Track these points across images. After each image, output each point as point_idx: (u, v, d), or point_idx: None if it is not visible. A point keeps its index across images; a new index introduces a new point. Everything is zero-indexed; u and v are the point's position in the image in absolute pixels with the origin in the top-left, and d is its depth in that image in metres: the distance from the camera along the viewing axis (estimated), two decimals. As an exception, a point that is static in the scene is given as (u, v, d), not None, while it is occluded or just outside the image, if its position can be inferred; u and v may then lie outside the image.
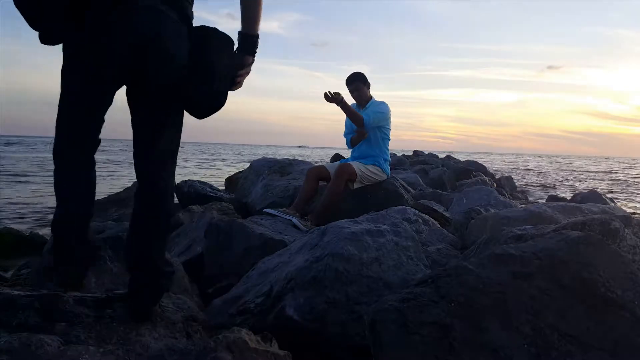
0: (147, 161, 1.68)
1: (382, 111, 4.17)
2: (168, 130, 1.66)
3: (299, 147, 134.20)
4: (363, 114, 4.12)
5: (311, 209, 4.00)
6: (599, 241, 1.70)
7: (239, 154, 48.51)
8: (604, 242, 1.73)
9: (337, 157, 9.29)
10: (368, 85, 4.27)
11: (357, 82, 4.21)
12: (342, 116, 4.51)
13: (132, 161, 1.69)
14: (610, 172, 26.50)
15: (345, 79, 4.28)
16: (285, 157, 6.33)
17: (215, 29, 1.66)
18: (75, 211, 1.65)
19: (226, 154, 43.03)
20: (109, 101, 1.63)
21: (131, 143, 1.69)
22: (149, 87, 1.60)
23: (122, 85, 1.64)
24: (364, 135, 4.15)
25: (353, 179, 4.03)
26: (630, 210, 8.40)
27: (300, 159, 6.22)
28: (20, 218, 6.76)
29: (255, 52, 1.77)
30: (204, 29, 1.65)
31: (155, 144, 1.65)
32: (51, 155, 1.64)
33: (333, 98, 3.89)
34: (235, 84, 1.75)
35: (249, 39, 1.74)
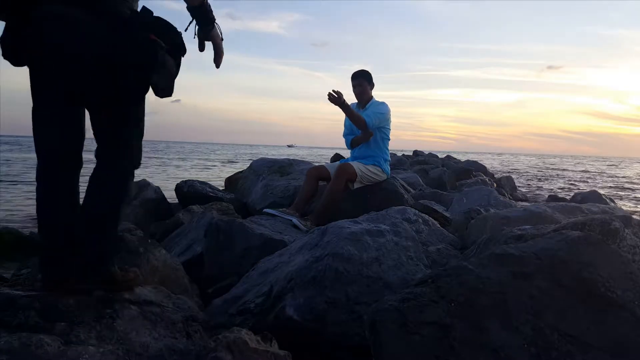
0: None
1: (382, 112, 4.17)
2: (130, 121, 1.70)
3: (288, 146, 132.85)
4: (363, 114, 4.12)
5: (311, 209, 4.00)
6: (599, 241, 1.70)
7: (235, 154, 48.36)
8: (604, 242, 1.73)
9: (337, 157, 9.29)
10: (372, 85, 4.28)
11: (362, 78, 4.22)
12: (341, 116, 4.52)
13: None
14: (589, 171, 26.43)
15: (352, 73, 4.29)
16: (279, 157, 6.32)
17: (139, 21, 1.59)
18: (59, 222, 1.67)
19: (220, 155, 42.65)
20: (71, 118, 1.64)
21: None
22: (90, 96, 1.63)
23: (79, 100, 1.63)
24: (370, 136, 4.15)
25: (353, 179, 4.03)
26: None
27: (299, 159, 6.22)
28: (19, 218, 6.76)
29: (212, 18, 1.71)
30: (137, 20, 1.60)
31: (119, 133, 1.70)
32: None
33: (336, 99, 3.89)
34: (218, 55, 1.77)
35: (196, 10, 1.68)
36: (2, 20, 1.58)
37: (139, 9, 1.66)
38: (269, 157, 6.28)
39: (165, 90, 1.65)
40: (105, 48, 1.55)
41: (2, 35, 1.56)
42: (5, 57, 1.57)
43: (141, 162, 1.80)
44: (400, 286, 1.95)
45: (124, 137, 1.71)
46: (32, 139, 1.63)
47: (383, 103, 4.23)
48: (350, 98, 4.19)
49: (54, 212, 1.67)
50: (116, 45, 1.55)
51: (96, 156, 1.73)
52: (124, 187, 1.73)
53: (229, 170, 15.44)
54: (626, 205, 9.83)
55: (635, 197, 12.24)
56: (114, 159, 1.72)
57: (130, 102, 1.67)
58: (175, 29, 1.64)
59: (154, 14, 1.63)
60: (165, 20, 1.63)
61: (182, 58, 1.71)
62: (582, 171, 27.44)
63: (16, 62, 1.59)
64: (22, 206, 7.84)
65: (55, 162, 1.66)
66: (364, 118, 4.05)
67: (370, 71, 4.33)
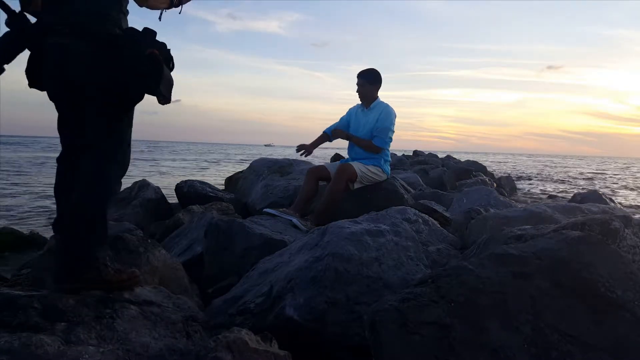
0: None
1: (390, 126, 4.18)
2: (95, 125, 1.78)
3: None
4: (369, 115, 4.17)
5: (311, 209, 4.00)
6: (599, 241, 1.69)
7: (227, 153, 48.25)
8: (604, 242, 1.72)
9: (337, 157, 9.28)
10: (377, 86, 4.26)
11: (363, 79, 4.22)
12: (340, 116, 4.53)
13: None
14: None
15: (360, 71, 4.31)
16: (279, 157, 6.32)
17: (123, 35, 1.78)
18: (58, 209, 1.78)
19: (217, 155, 42.59)
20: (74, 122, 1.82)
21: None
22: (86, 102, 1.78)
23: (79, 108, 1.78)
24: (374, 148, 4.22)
25: (353, 179, 4.03)
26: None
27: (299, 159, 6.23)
28: (20, 218, 6.77)
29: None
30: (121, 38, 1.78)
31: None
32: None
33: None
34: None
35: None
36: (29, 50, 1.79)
37: (130, 26, 1.84)
38: (269, 157, 6.28)
39: (166, 98, 1.82)
40: (109, 66, 1.73)
41: (26, 68, 1.79)
42: (31, 86, 1.82)
43: (128, 165, 1.91)
44: (400, 286, 1.95)
45: (115, 138, 1.82)
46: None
47: (388, 107, 4.19)
48: (352, 98, 4.22)
49: (56, 200, 1.88)
50: (125, 62, 1.74)
51: (86, 156, 1.79)
52: (106, 188, 1.79)
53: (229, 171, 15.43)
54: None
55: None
56: (99, 160, 1.78)
57: (129, 108, 1.83)
58: (165, 44, 1.81)
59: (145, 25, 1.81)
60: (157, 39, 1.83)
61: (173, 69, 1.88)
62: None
63: (40, 88, 1.82)
64: (23, 206, 7.85)
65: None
66: (375, 143, 4.10)
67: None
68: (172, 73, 1.85)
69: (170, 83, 1.82)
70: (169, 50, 1.82)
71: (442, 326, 1.45)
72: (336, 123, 4.46)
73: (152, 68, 1.74)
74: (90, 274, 1.72)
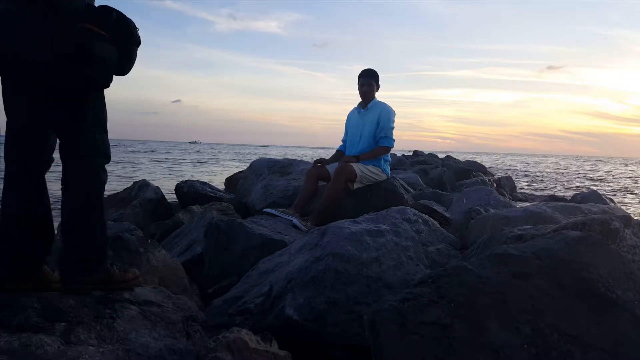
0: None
1: (392, 125, 4.22)
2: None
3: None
4: (366, 115, 4.20)
5: (311, 209, 4.00)
6: (599, 241, 1.70)
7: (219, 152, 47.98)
8: (604, 242, 1.73)
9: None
10: (378, 86, 4.31)
11: (371, 78, 4.26)
12: (342, 116, 4.54)
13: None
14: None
15: (361, 71, 4.32)
16: (279, 157, 6.30)
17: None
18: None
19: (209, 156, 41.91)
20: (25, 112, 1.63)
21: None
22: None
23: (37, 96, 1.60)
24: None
25: (353, 179, 4.03)
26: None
27: (298, 159, 6.22)
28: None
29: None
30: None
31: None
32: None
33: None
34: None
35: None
36: None
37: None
38: (269, 157, 6.28)
39: (97, 80, 1.60)
40: (35, 40, 1.51)
41: None
42: None
43: (110, 155, 1.76)
44: (400, 286, 1.95)
45: (78, 130, 1.66)
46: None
47: (386, 106, 4.21)
48: (352, 98, 4.23)
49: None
50: (47, 37, 1.51)
51: (59, 154, 1.72)
52: (90, 182, 1.70)
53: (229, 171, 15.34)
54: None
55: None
56: (73, 155, 1.68)
57: (72, 93, 1.62)
58: (125, 19, 1.59)
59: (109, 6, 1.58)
60: (112, 9, 1.57)
61: (137, 48, 1.67)
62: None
63: None
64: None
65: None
66: (385, 144, 4.15)
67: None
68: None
69: (106, 63, 1.56)
70: (126, 25, 1.57)
71: (442, 326, 1.45)
72: (344, 137, 4.50)
73: (78, 46, 1.49)
74: (99, 273, 1.71)
